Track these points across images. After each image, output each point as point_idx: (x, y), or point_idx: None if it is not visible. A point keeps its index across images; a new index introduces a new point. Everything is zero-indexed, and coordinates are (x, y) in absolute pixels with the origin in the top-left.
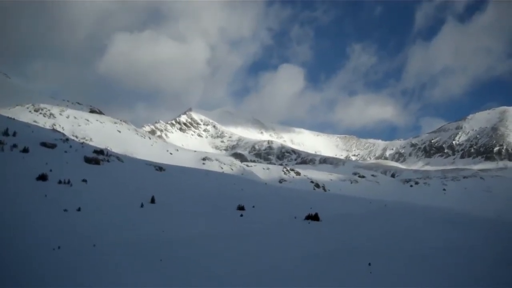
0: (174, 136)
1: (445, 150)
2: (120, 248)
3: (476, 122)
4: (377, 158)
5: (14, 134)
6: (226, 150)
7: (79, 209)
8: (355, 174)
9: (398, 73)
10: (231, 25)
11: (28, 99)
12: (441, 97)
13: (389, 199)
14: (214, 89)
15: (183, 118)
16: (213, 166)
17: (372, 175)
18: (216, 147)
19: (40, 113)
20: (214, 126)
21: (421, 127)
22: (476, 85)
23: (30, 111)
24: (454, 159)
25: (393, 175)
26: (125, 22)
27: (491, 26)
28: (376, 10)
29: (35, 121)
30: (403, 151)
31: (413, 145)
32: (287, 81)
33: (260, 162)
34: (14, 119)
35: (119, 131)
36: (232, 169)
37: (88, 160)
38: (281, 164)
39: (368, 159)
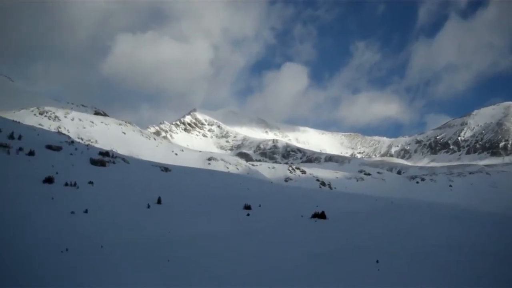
0: (179, 137)
1: (451, 146)
2: (127, 249)
3: (481, 117)
4: (383, 155)
5: (20, 137)
6: (231, 150)
7: (86, 211)
8: (360, 171)
9: (402, 70)
10: (233, 25)
11: (32, 102)
12: (445, 93)
13: (395, 196)
14: (218, 89)
15: (188, 119)
16: (218, 166)
17: (378, 173)
18: (221, 147)
19: (45, 116)
20: (218, 126)
21: (426, 123)
22: (480, 81)
23: (35, 114)
24: (459, 155)
25: (399, 172)
26: (127, 23)
27: (494, 22)
28: (379, 7)
29: (40, 124)
30: (408, 148)
31: (418, 141)
32: (291, 79)
33: (266, 161)
34: (19, 122)
35: (124, 133)
36: (237, 169)
37: (94, 162)
38: (286, 163)
39: (374, 156)
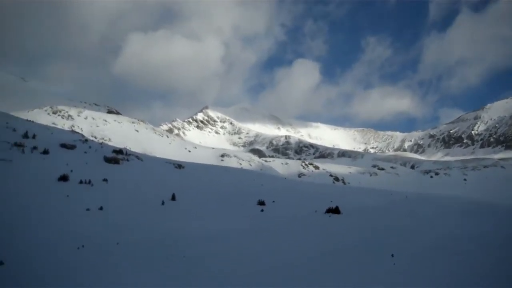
0: (192, 134)
1: (464, 140)
2: (145, 246)
3: (495, 111)
4: (396, 150)
5: (34, 136)
6: (244, 146)
7: (101, 208)
8: (374, 166)
9: (414, 65)
10: (244, 22)
11: (46, 101)
12: (458, 87)
13: (409, 191)
14: (230, 86)
15: (200, 116)
16: (231, 163)
17: (392, 167)
18: (234, 144)
19: (59, 115)
20: (231, 123)
21: (439, 117)
22: (493, 74)
23: (48, 114)
24: (473, 149)
25: (412, 167)
26: (138, 22)
27: (506, 14)
28: (389, 2)
29: (53, 123)
30: (421, 142)
31: (431, 136)
32: (303, 76)
33: (279, 157)
34: (33, 121)
35: (137, 131)
36: (250, 165)
37: (107, 160)
38: (299, 159)
39: (387, 151)
